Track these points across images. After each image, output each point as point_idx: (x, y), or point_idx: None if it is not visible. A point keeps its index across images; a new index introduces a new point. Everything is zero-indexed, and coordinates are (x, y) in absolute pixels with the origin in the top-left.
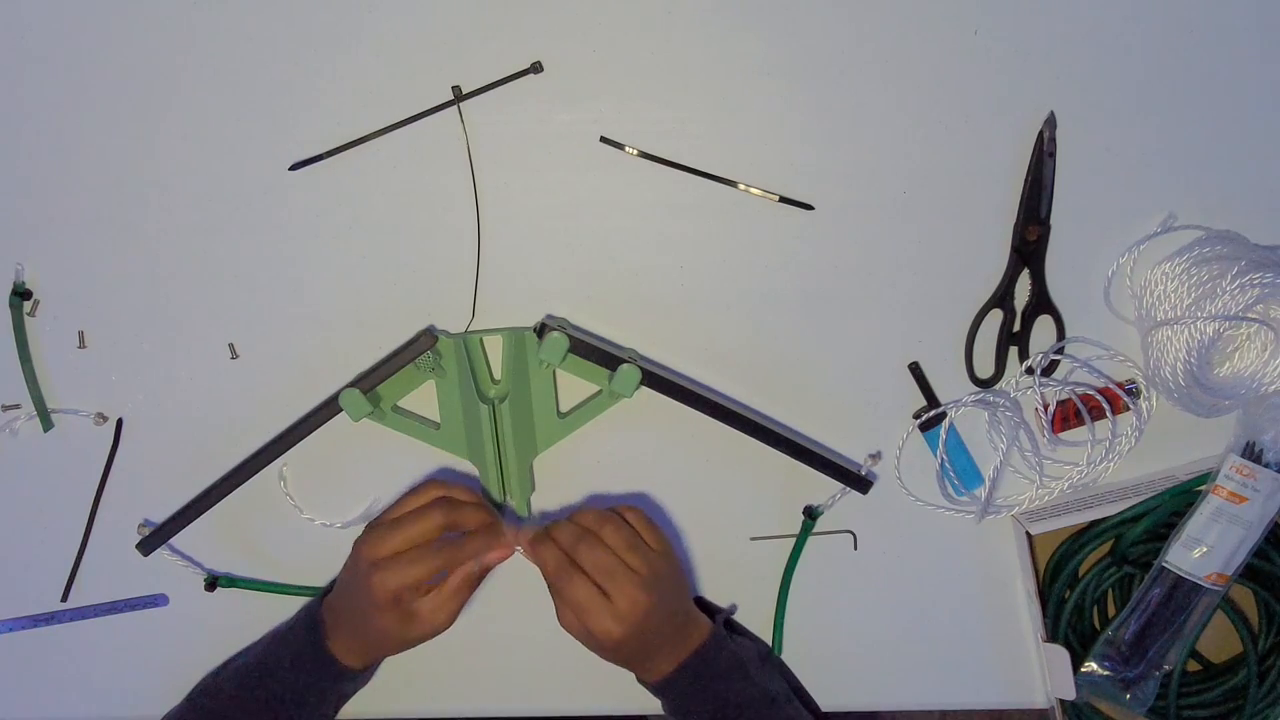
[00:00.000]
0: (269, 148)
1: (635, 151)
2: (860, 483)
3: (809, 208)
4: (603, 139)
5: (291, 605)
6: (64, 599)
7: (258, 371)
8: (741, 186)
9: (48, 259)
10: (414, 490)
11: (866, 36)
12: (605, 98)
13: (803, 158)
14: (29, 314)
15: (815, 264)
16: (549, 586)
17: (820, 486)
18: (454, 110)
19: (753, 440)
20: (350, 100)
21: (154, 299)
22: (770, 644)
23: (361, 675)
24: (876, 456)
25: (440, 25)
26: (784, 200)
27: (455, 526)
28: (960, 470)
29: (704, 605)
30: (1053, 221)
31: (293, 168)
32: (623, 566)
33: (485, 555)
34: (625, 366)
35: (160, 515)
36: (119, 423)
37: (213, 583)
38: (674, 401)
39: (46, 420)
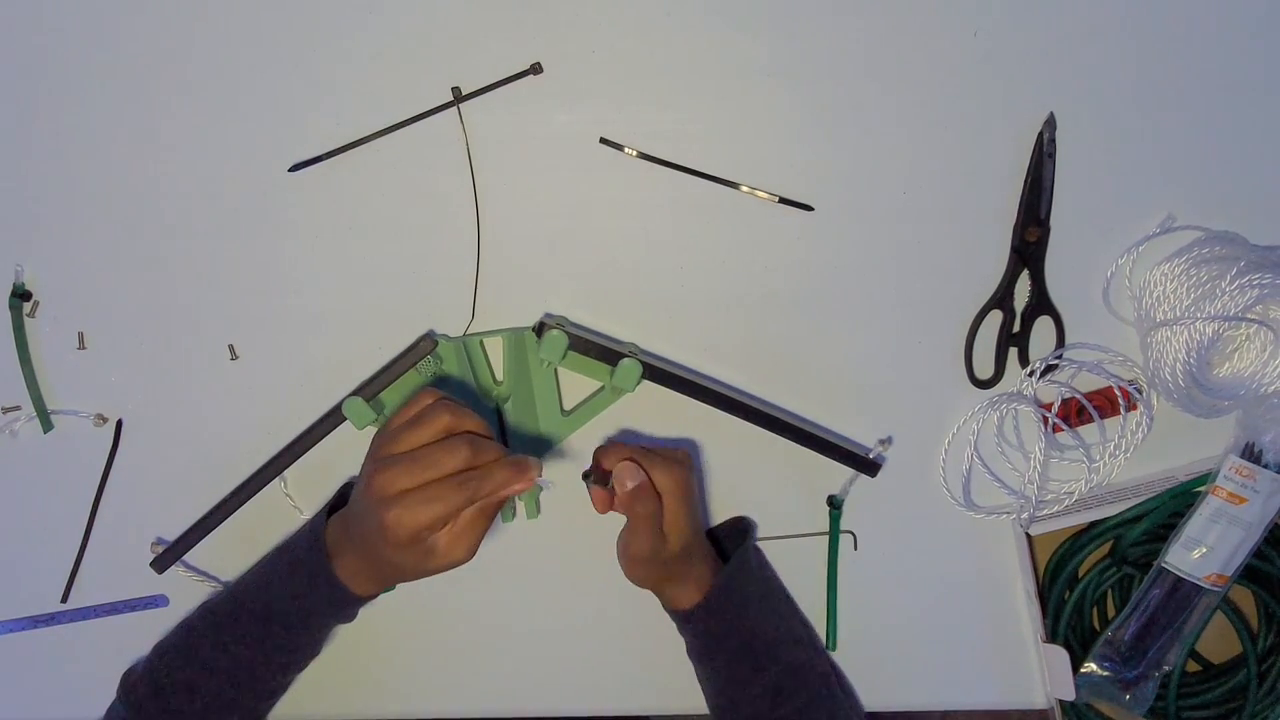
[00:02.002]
0: (269, 149)
1: (635, 153)
2: (868, 466)
3: (809, 208)
4: (602, 140)
5: None
6: (64, 600)
7: (258, 372)
8: (745, 189)
9: (48, 260)
10: (415, 406)
11: (866, 37)
12: (605, 99)
13: (802, 158)
14: (29, 315)
15: (815, 265)
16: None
17: (828, 478)
18: (454, 111)
19: (759, 433)
20: (350, 101)
21: (154, 300)
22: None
23: (366, 600)
24: (887, 441)
25: (440, 26)
26: (784, 201)
27: (476, 463)
28: None
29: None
30: (1052, 222)
31: (293, 169)
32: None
33: (508, 488)
34: (626, 361)
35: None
36: (119, 424)
37: None
38: (678, 396)
39: (46, 421)
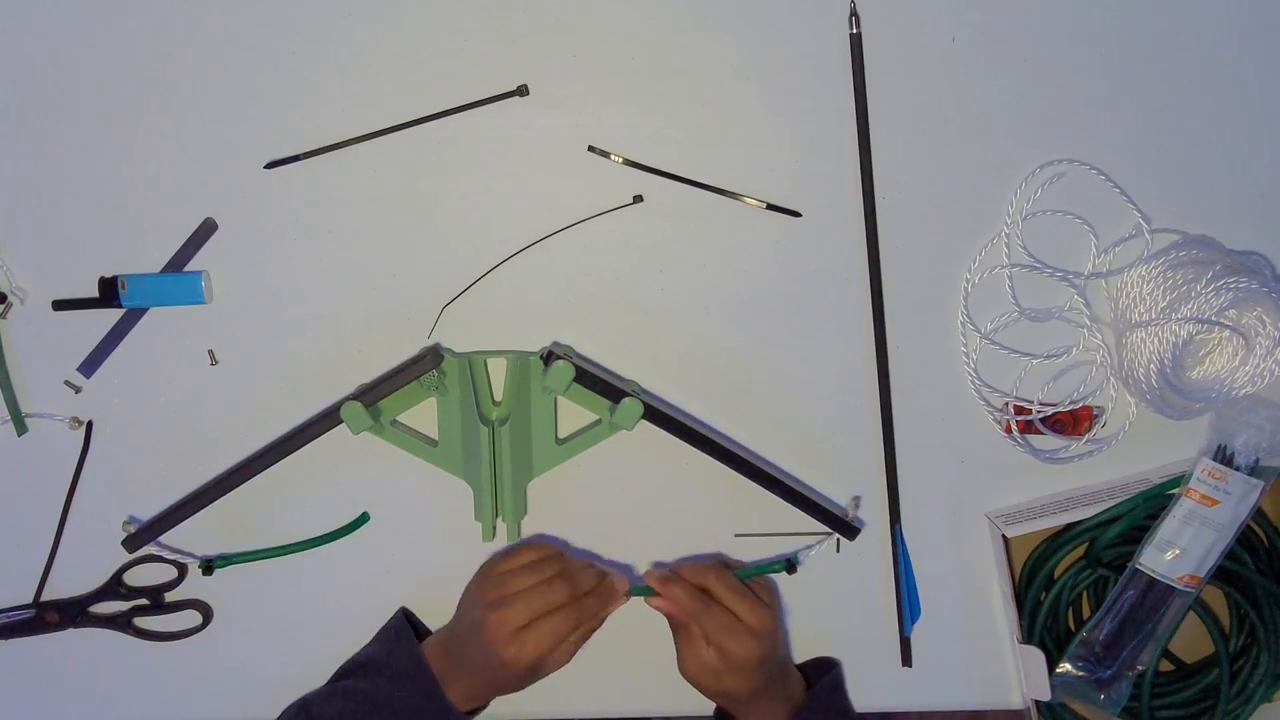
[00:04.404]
0: (248, 150)
1: (621, 160)
2: (848, 529)
3: (796, 214)
4: (590, 148)
5: (291, 565)
6: (36, 599)
7: (238, 378)
8: (749, 200)
9: (20, 260)
10: (523, 556)
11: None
12: (592, 106)
13: (789, 165)
14: (1, 316)
15: (802, 270)
16: (676, 626)
17: (810, 523)
18: (441, 118)
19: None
20: (331, 106)
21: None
22: None
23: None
24: (856, 502)
25: (428, 32)
26: (771, 207)
27: (576, 593)
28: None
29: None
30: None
31: (268, 165)
32: (750, 592)
33: (605, 610)
34: (628, 400)
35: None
36: (89, 425)
37: (209, 566)
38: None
39: (21, 424)
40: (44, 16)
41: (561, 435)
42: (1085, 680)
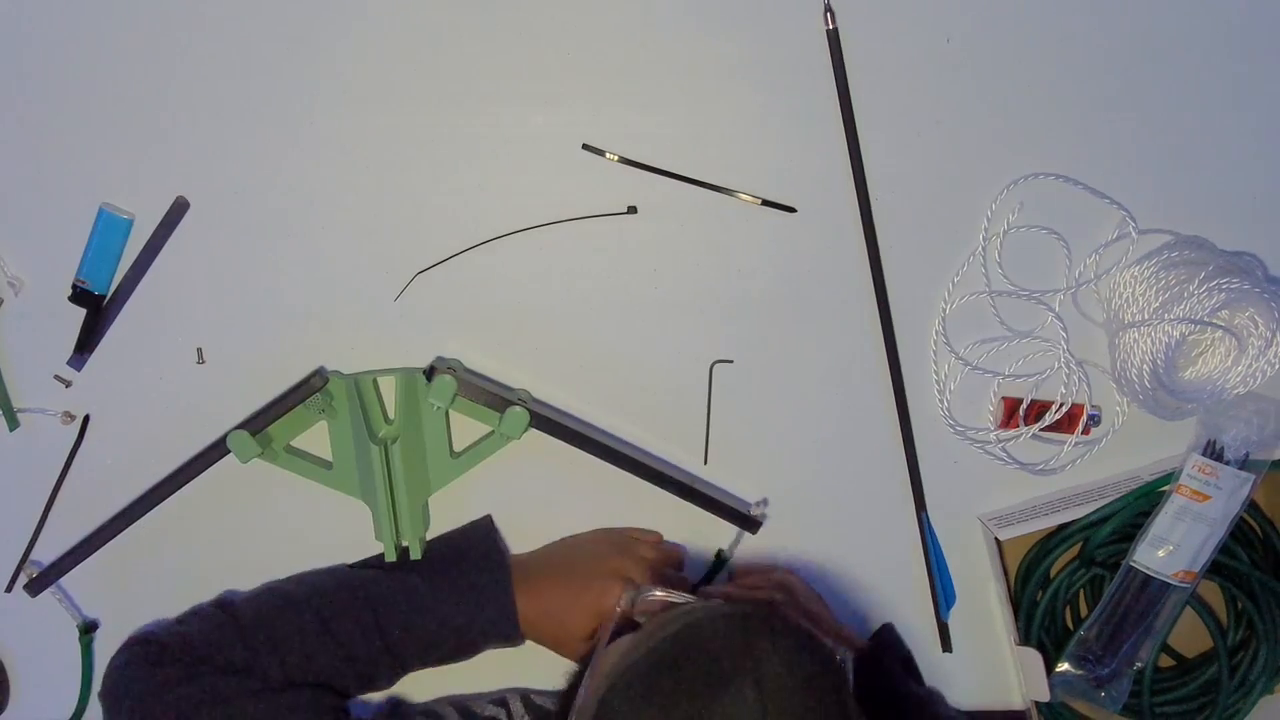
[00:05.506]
0: (247, 149)
1: (616, 157)
2: (749, 523)
3: (791, 210)
4: (584, 146)
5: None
6: (9, 589)
7: (225, 375)
8: (743, 197)
9: (14, 257)
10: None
11: (845, 42)
12: (586, 104)
13: (784, 161)
14: None
15: (799, 265)
16: None
17: (718, 527)
18: (429, 113)
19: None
20: (333, 104)
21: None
22: None
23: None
24: (763, 504)
25: (428, 32)
26: (766, 203)
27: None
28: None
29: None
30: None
31: (263, 164)
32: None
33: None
34: (513, 409)
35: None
36: (85, 419)
37: (88, 630)
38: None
39: (12, 419)
40: (43, 15)
41: (458, 448)
42: (1085, 679)
